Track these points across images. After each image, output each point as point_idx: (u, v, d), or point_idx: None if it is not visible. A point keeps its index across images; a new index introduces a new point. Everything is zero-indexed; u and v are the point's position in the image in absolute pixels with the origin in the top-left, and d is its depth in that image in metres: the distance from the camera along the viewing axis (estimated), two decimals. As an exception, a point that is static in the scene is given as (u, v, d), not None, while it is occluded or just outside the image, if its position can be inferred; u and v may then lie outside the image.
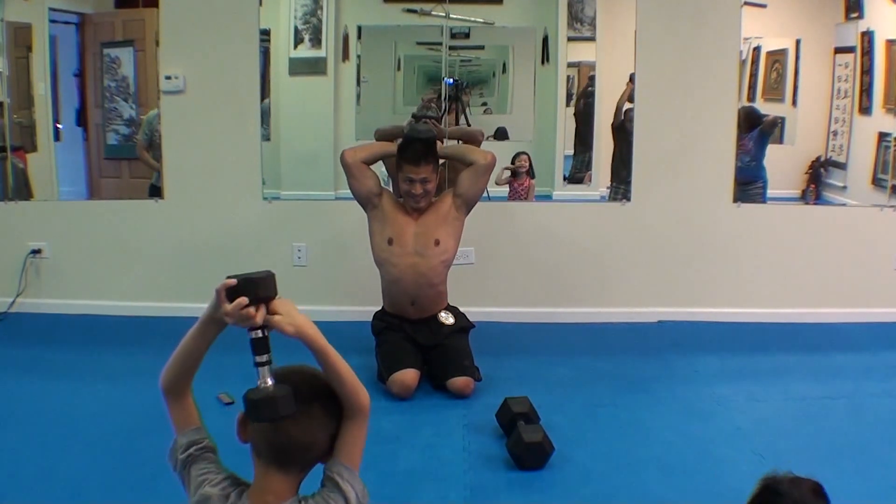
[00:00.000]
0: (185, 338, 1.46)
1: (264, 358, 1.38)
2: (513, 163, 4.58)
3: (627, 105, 4.37)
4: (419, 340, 3.49)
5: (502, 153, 4.58)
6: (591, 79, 4.56)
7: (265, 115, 4.35)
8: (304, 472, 1.42)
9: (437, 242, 3.47)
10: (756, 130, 4.42)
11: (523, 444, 2.71)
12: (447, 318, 3.53)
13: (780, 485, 1.44)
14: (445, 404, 3.28)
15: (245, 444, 1.43)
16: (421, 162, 3.40)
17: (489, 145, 4.50)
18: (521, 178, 4.58)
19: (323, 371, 1.41)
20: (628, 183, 4.35)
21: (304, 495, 1.41)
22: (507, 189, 4.59)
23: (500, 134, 4.60)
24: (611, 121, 4.50)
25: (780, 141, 4.53)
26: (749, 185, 4.44)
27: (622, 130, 4.44)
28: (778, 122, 4.50)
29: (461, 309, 3.67)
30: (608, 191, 4.60)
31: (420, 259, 3.47)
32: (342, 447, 1.41)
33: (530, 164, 4.59)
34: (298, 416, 1.35)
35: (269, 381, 1.36)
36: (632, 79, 4.32)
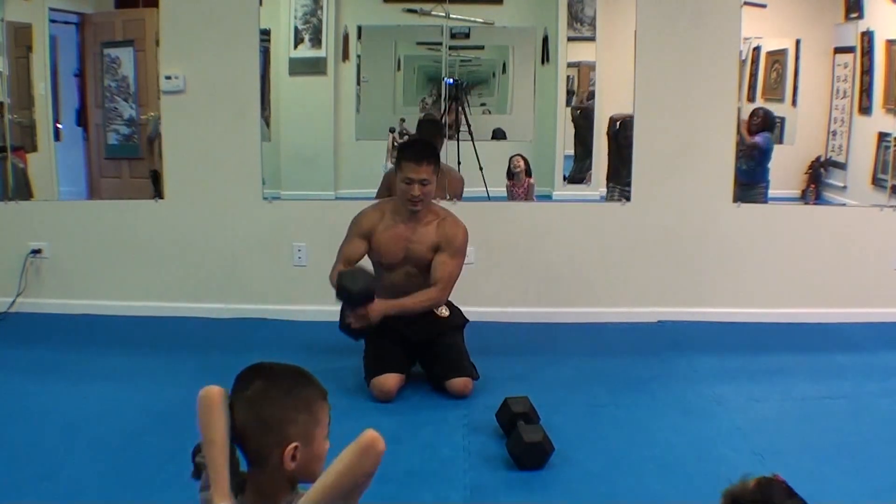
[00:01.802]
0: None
1: None
2: (509, 165, 4.58)
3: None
4: (412, 336, 3.40)
5: (500, 154, 4.59)
6: (590, 94, 4.57)
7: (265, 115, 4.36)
8: (269, 471, 1.39)
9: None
10: (768, 132, 4.43)
11: (523, 444, 2.71)
12: (442, 311, 3.47)
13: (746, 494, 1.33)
14: (445, 404, 3.28)
15: None
16: (422, 161, 3.32)
17: (488, 146, 4.54)
18: (518, 181, 4.58)
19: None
20: (626, 185, 4.34)
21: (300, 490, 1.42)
22: (506, 192, 4.61)
23: (498, 134, 4.61)
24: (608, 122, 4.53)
25: (780, 141, 4.54)
26: (753, 186, 4.45)
27: (618, 138, 4.45)
28: (777, 119, 4.52)
29: (461, 308, 3.66)
30: (606, 191, 4.60)
31: (413, 268, 3.46)
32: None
33: (526, 165, 4.58)
34: (243, 408, 1.39)
35: None
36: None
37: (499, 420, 2.97)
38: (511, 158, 4.57)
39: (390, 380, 3.26)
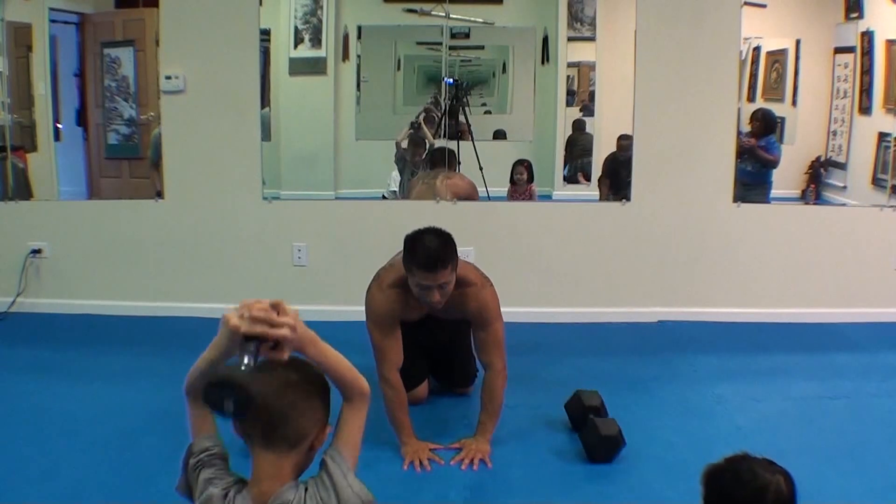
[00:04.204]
0: (207, 349, 1.53)
1: (251, 346, 1.42)
2: (512, 173, 4.58)
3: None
4: (435, 342, 3.27)
5: (501, 154, 4.60)
6: (591, 94, 4.57)
7: (265, 117, 4.35)
8: (296, 453, 1.42)
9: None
10: (772, 136, 4.44)
11: (599, 436, 2.75)
12: None
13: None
14: (445, 404, 3.29)
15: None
16: (437, 267, 2.66)
17: (488, 146, 4.54)
18: (520, 188, 4.58)
19: (321, 366, 1.48)
20: (625, 186, 4.34)
21: (302, 480, 1.43)
22: (507, 195, 4.61)
23: (498, 135, 4.61)
24: (608, 122, 4.52)
25: (781, 141, 4.54)
26: (756, 186, 4.45)
27: (614, 158, 4.47)
28: (777, 119, 4.53)
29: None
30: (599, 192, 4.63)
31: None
32: (341, 432, 1.47)
33: (530, 172, 4.58)
34: (277, 391, 1.41)
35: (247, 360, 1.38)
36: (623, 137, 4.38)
37: (568, 411, 3.04)
38: (514, 166, 4.57)
39: (419, 391, 3.30)
